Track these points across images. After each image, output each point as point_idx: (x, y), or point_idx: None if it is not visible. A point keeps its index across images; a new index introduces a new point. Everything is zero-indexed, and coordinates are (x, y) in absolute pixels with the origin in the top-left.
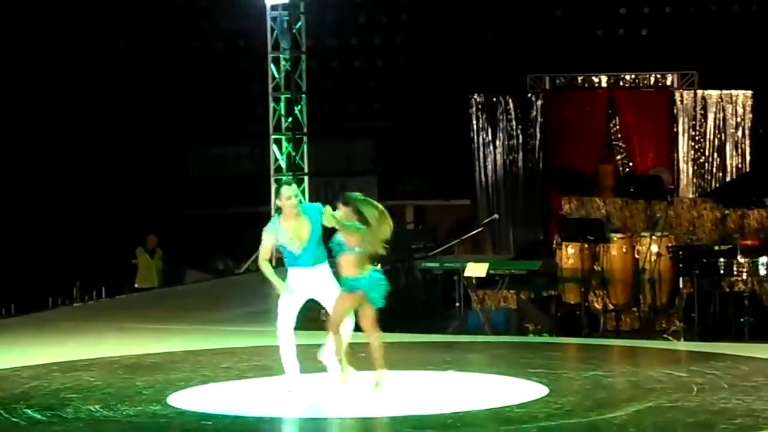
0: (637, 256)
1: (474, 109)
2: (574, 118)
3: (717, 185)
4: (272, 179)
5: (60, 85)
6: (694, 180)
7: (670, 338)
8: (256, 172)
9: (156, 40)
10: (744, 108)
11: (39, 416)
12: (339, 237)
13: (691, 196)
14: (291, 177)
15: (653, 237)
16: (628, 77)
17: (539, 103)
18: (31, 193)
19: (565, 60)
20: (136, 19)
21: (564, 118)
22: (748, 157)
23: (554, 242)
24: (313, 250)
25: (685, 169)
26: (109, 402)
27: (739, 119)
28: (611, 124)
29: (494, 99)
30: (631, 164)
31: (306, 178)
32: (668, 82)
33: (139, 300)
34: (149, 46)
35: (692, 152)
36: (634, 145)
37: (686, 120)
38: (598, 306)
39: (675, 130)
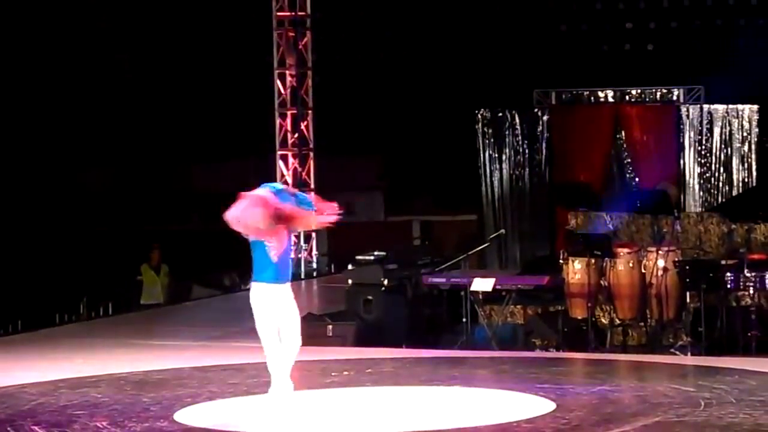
0: (643, 270)
1: (480, 124)
2: (581, 133)
3: (723, 200)
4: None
5: (63, 101)
6: (701, 194)
7: (677, 353)
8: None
9: (161, 55)
10: (750, 122)
11: None
12: None
13: (697, 210)
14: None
15: (660, 252)
16: (634, 92)
17: (545, 118)
18: (34, 209)
19: (572, 75)
20: (140, 34)
21: (570, 133)
22: (754, 172)
23: (561, 257)
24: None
25: (692, 183)
26: (116, 418)
27: (745, 133)
28: (617, 138)
29: (500, 114)
30: (637, 179)
31: (311, 195)
32: (674, 97)
33: (145, 316)
34: (154, 61)
35: (698, 167)
36: (640, 160)
37: (692, 134)
38: (605, 321)
39: (681, 144)
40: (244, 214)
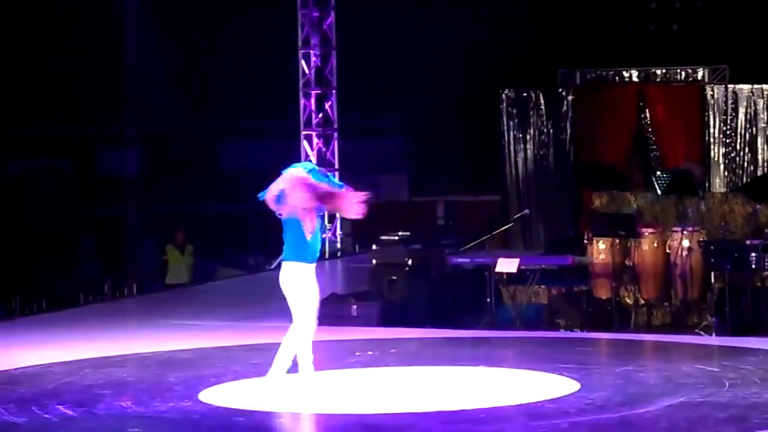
0: (668, 250)
1: (504, 104)
2: (605, 114)
3: (748, 180)
4: None
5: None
6: (726, 174)
7: (702, 333)
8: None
9: (186, 35)
10: None
11: (71, 412)
12: None
13: (722, 190)
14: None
15: (684, 232)
16: (658, 72)
17: (570, 98)
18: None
19: (596, 55)
20: (165, 12)
21: (595, 113)
22: None
23: (585, 237)
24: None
25: (716, 163)
26: (140, 398)
27: None
28: (642, 119)
29: (525, 94)
30: (661, 159)
31: (336, 174)
32: (699, 77)
33: (170, 296)
34: (178, 41)
35: (723, 147)
36: (664, 140)
37: (717, 114)
38: (629, 301)
39: (706, 124)
40: (290, 194)
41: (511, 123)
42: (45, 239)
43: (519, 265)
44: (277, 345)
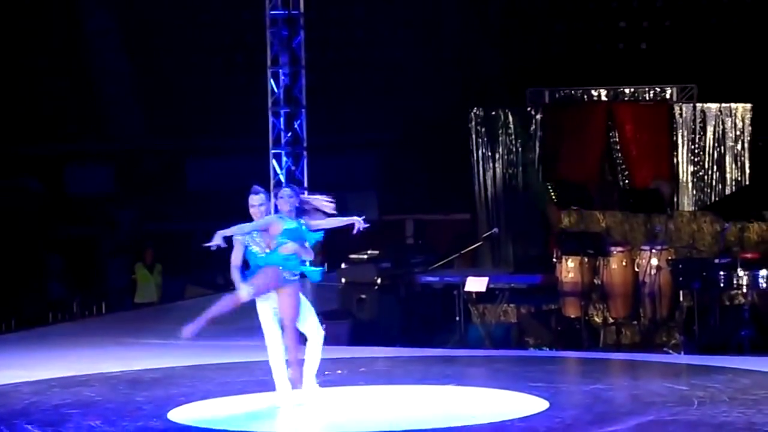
0: (637, 269)
1: (473, 123)
2: (574, 132)
3: (717, 198)
4: (272, 194)
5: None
6: (694, 193)
7: (671, 351)
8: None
9: (155, 53)
10: (743, 121)
11: None
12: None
13: (690, 209)
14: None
15: (653, 251)
16: (627, 91)
17: (539, 117)
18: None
19: (565, 74)
20: (134, 32)
21: (563, 132)
22: (747, 170)
23: (554, 256)
24: None
25: (685, 182)
26: (109, 417)
27: (738, 132)
28: (610, 137)
29: (493, 113)
30: (630, 177)
31: (305, 193)
32: (667, 96)
33: (139, 315)
34: (148, 60)
35: (692, 165)
36: (633, 159)
37: (686, 133)
38: (598, 320)
39: (674, 143)
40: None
41: (480, 142)
42: (13, 258)
43: (488, 284)
44: (247, 363)
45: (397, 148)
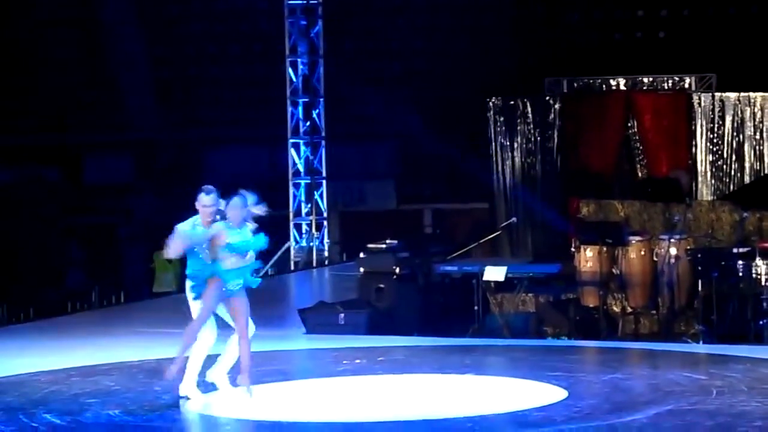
0: (655, 259)
1: (492, 112)
2: (592, 122)
3: (735, 188)
4: (290, 183)
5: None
6: (713, 182)
7: (689, 341)
8: (273, 176)
9: (173, 44)
10: (762, 110)
11: (58, 421)
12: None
13: (709, 198)
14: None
15: (672, 240)
16: (645, 80)
17: (557, 106)
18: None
19: (583, 63)
20: (153, 22)
21: (582, 122)
22: (766, 160)
23: (572, 245)
24: None
25: (703, 171)
26: (128, 407)
27: (757, 121)
28: (628, 127)
29: (512, 102)
30: (648, 167)
31: (324, 182)
32: (686, 85)
33: (157, 305)
34: (166, 50)
35: (710, 155)
36: (651, 148)
37: (704, 122)
38: (616, 309)
39: (693, 132)
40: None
41: (499, 131)
42: (33, 248)
43: (506, 274)
44: (266, 353)
45: (415, 137)
